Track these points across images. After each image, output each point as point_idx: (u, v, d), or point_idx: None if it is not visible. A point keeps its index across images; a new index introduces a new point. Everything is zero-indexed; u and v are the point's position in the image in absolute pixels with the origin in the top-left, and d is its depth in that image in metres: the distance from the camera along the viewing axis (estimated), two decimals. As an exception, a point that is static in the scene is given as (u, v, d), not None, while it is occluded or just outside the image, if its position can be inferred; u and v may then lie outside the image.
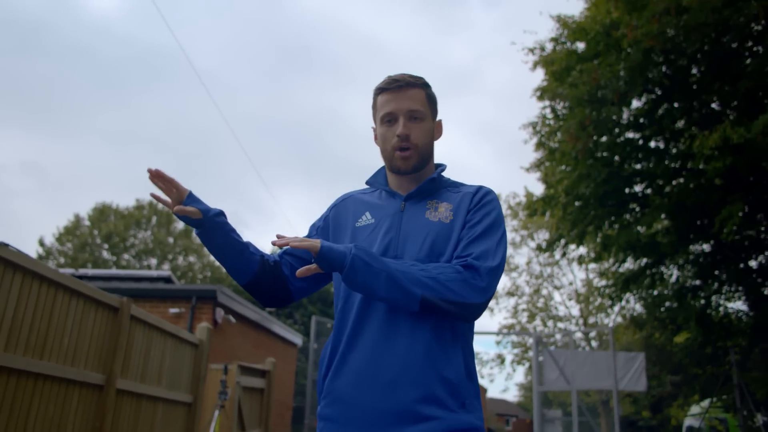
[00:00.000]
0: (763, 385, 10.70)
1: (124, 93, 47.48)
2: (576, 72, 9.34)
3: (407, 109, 1.56)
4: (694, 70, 9.95)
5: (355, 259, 1.36)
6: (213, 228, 1.51)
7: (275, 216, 63.37)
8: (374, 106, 1.66)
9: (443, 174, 1.66)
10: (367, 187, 1.73)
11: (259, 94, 49.69)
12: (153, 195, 1.55)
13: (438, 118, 1.68)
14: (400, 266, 1.39)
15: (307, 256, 1.61)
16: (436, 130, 1.66)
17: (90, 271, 12.22)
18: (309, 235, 1.69)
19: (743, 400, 9.96)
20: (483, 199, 1.57)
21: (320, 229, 1.68)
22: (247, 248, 1.56)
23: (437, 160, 1.70)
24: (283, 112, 50.69)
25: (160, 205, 34.39)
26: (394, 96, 1.58)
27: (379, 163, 1.69)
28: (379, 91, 1.62)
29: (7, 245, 3.08)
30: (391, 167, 1.61)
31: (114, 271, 16.55)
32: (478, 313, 1.44)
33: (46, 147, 46.76)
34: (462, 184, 1.66)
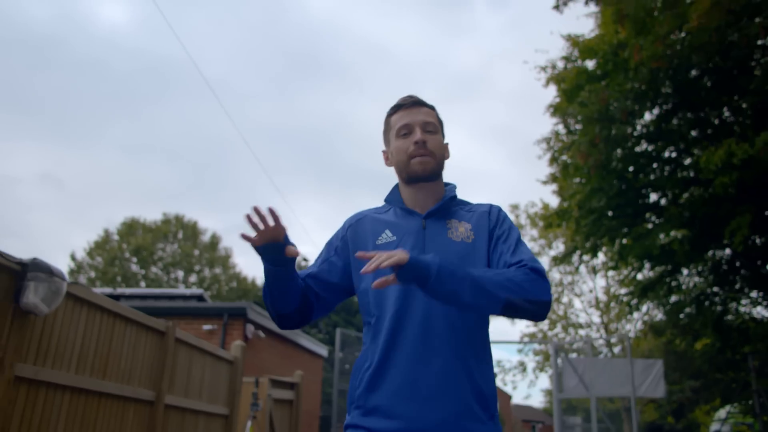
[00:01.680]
0: (779, 391, 10.89)
1: (135, 105, 48.51)
2: (585, 92, 9.69)
3: (423, 120, 1.64)
4: (705, 80, 10.19)
5: (441, 269, 1.37)
6: (292, 270, 1.54)
7: (290, 224, 63.59)
8: (387, 127, 1.73)
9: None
10: (380, 206, 1.75)
11: (268, 102, 49.97)
12: (244, 236, 1.47)
13: (445, 142, 1.73)
14: (479, 271, 1.43)
15: (332, 278, 1.65)
16: (445, 149, 1.71)
17: (127, 290, 12.85)
18: (328, 255, 1.70)
19: (762, 406, 10.16)
20: (500, 215, 1.65)
21: (339, 249, 1.69)
22: (299, 286, 1.59)
23: (450, 168, 1.75)
24: (293, 119, 51.09)
25: (186, 218, 34.35)
26: (409, 111, 1.66)
27: (392, 176, 1.75)
28: (394, 110, 1.70)
29: (76, 283, 3.58)
30: (409, 174, 1.63)
31: (150, 290, 17.19)
32: (549, 310, 1.50)
33: (62, 159, 47.86)
34: (468, 203, 1.73)
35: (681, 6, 7.75)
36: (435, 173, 1.63)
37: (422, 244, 1.57)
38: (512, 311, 1.44)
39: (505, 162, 61.21)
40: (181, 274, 35.24)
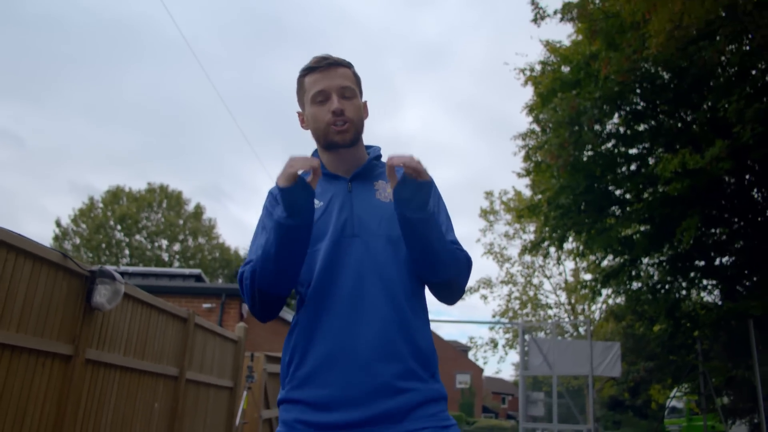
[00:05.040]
0: (721, 373, 12.07)
1: (96, 65, 47.56)
2: (557, 99, 10.51)
3: (339, 86, 1.51)
4: (671, 88, 11.02)
5: (433, 213, 1.40)
6: (311, 225, 1.40)
7: (258, 190, 63.08)
8: (300, 89, 1.59)
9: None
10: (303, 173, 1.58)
11: (233, 67, 49.39)
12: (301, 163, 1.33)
13: (363, 99, 1.62)
14: (443, 238, 1.45)
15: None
16: (363, 110, 1.61)
17: (130, 269, 13.57)
18: (266, 226, 1.53)
19: (706, 386, 11.34)
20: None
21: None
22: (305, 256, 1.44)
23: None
24: (258, 85, 50.45)
25: (170, 188, 34.56)
26: (324, 74, 1.52)
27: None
28: (307, 71, 1.56)
29: (127, 282, 4.39)
30: (327, 143, 1.54)
31: (150, 268, 17.91)
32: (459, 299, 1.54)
33: (22, 118, 47.14)
34: None
35: (642, 29, 8.53)
36: (354, 141, 1.55)
37: (350, 207, 1.51)
38: (448, 288, 1.48)
39: (469, 135, 61.10)
40: (164, 243, 35.83)
